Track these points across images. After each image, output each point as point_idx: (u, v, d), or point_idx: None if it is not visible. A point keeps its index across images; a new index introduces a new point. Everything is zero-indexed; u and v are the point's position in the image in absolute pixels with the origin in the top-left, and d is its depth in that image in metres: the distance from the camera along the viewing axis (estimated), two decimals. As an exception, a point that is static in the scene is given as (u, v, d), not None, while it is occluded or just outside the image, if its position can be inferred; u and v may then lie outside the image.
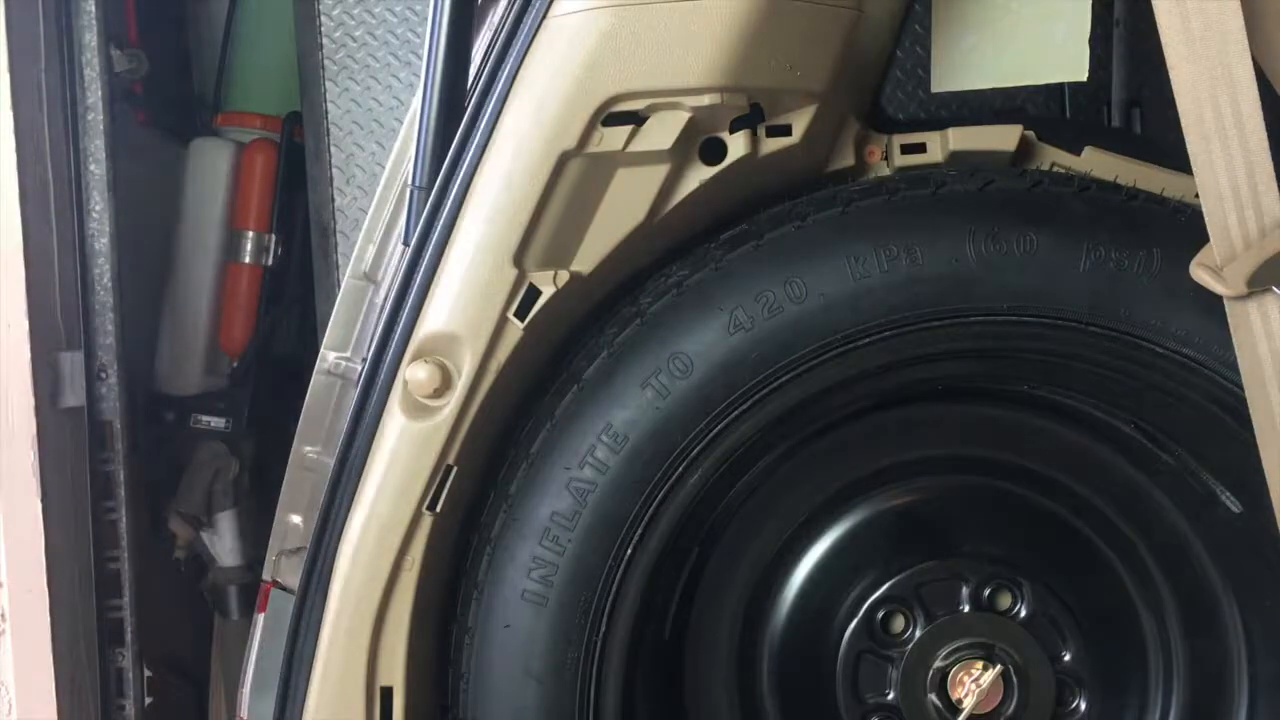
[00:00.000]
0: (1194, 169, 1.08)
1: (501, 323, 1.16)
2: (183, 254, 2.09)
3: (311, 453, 1.32)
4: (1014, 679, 1.34)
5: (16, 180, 1.74)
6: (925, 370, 1.28)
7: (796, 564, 1.40)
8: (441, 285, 1.15)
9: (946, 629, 1.36)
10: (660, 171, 1.17)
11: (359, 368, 1.26)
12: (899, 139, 1.27)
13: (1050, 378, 1.35)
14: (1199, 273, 1.11)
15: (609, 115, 1.14)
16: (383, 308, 1.19)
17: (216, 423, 2.09)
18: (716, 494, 1.32)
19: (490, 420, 1.20)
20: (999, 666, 1.33)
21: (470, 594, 1.22)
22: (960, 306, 1.20)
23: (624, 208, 1.17)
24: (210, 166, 2.09)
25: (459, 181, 1.15)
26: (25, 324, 1.73)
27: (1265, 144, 1.07)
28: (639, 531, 1.21)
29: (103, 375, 1.84)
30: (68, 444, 1.81)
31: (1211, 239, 1.09)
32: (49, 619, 1.73)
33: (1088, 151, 1.27)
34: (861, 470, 1.41)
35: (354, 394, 1.19)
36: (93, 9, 1.83)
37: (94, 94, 1.84)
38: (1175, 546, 1.38)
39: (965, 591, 1.37)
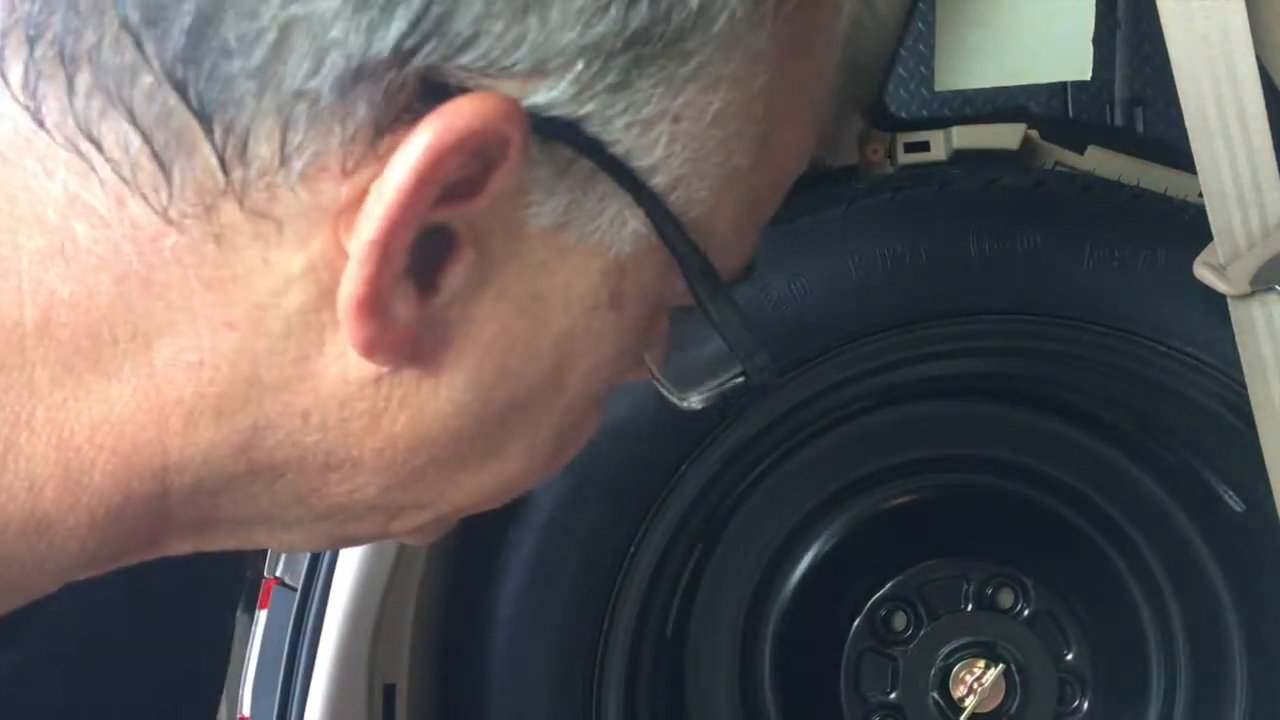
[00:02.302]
0: (1197, 168, 1.08)
1: (504, 320, 1.15)
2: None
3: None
4: (1016, 678, 1.34)
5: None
6: (927, 369, 1.29)
7: (798, 562, 1.40)
8: (444, 283, 1.15)
9: (949, 628, 1.36)
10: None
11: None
12: (902, 137, 1.27)
13: (1052, 376, 1.35)
14: (1202, 272, 1.11)
15: (612, 113, 1.13)
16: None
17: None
18: (718, 492, 1.32)
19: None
20: (1001, 665, 1.33)
21: (472, 591, 1.22)
22: (962, 305, 1.20)
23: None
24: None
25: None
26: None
27: (1269, 142, 1.07)
28: (642, 529, 1.21)
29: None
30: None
31: (1215, 238, 1.09)
32: (50, 616, 1.73)
33: (1091, 150, 1.27)
34: (863, 469, 1.41)
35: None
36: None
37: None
38: (1177, 546, 1.38)
39: (967, 590, 1.37)
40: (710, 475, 1.23)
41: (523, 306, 0.48)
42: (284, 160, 0.43)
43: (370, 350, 0.46)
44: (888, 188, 1.22)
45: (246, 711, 1.20)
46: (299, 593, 1.17)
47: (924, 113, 1.29)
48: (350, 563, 1.16)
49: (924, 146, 1.27)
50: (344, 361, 0.47)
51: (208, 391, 0.47)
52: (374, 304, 0.44)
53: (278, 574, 1.19)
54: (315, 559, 1.17)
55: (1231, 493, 1.33)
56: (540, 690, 1.22)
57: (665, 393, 0.60)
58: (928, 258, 1.18)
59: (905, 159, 1.27)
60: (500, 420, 0.51)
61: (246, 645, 1.20)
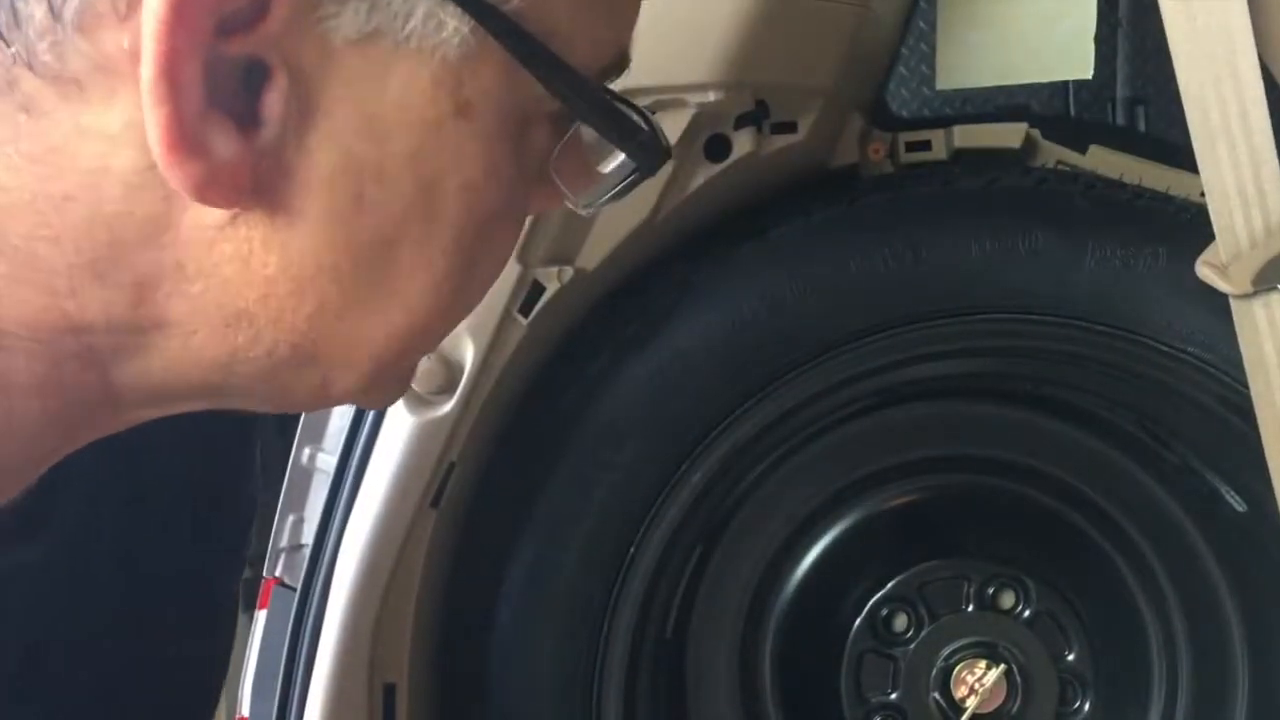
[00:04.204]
0: (1199, 167, 1.08)
1: (505, 318, 1.15)
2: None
3: (313, 450, 1.31)
4: (1017, 678, 1.34)
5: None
6: (928, 368, 1.28)
7: (799, 563, 1.40)
8: (444, 280, 1.15)
9: (949, 628, 1.36)
10: (664, 168, 1.16)
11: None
12: (903, 136, 1.27)
13: (1054, 376, 1.34)
14: (1204, 271, 1.11)
15: (613, 111, 1.13)
16: (385, 303, 1.18)
17: (216, 420, 2.09)
18: (718, 492, 1.31)
19: (493, 416, 1.19)
20: (1002, 666, 1.33)
21: (472, 591, 1.21)
22: (964, 304, 1.19)
23: (628, 204, 1.16)
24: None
25: (462, 177, 1.15)
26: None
27: (1271, 142, 1.07)
28: (642, 530, 1.21)
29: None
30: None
31: (1217, 237, 1.09)
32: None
33: (1092, 149, 1.26)
34: (864, 469, 1.41)
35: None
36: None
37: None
38: (1179, 546, 1.38)
39: (968, 591, 1.37)
40: (710, 475, 1.23)
41: (358, 128, 0.48)
42: (56, 15, 0.44)
43: (202, 192, 0.46)
44: (889, 187, 1.22)
45: (246, 712, 1.19)
46: (299, 593, 1.16)
47: (925, 112, 1.29)
48: (350, 562, 1.16)
49: (925, 146, 1.26)
50: (196, 209, 0.48)
51: (76, 260, 0.49)
52: (186, 143, 0.45)
53: (277, 574, 1.19)
54: (315, 559, 1.16)
55: (1233, 493, 1.32)
56: (540, 690, 1.22)
57: (571, 205, 0.59)
58: (928, 257, 1.18)
59: (906, 158, 1.27)
60: (380, 253, 0.51)
61: (246, 645, 1.20)
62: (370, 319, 0.53)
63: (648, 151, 0.55)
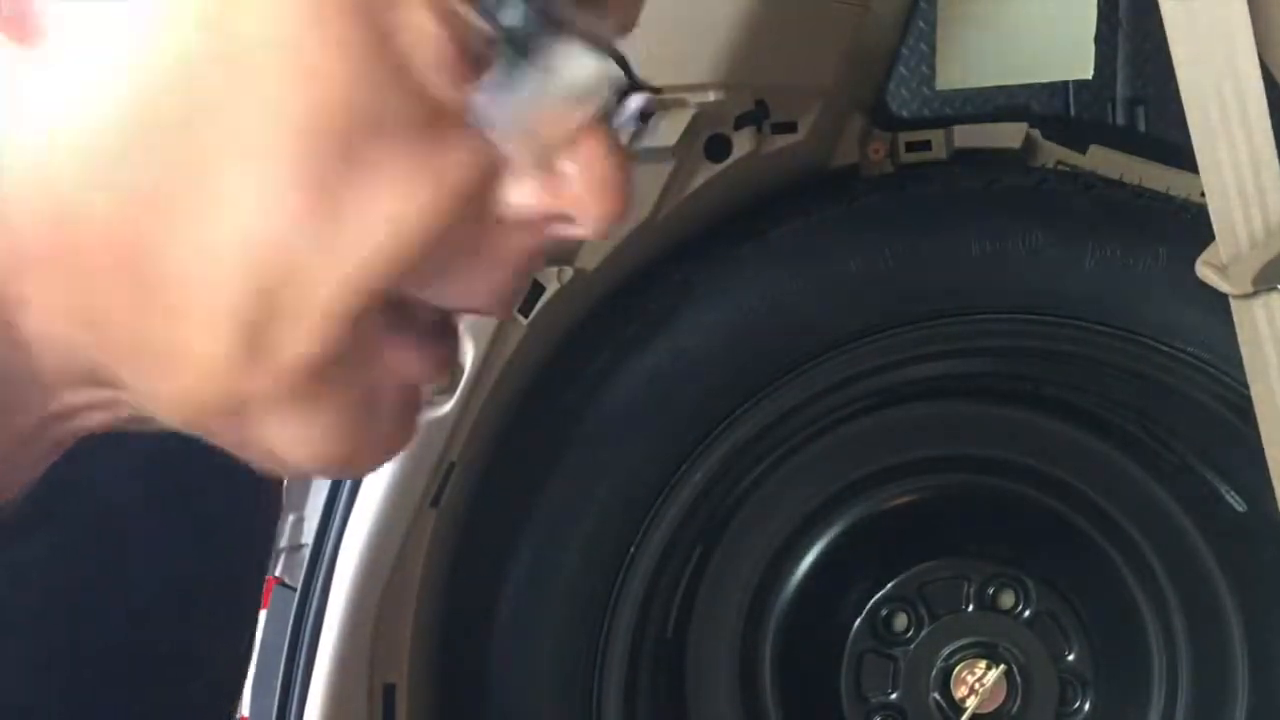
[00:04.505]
0: (1199, 167, 1.08)
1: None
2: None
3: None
4: (1017, 678, 1.34)
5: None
6: (928, 368, 1.28)
7: (799, 562, 1.40)
8: (445, 281, 1.15)
9: (949, 628, 1.36)
10: (665, 168, 1.17)
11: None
12: (903, 136, 1.27)
13: (1054, 376, 1.34)
14: (1205, 271, 1.11)
15: (612, 111, 1.13)
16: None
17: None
18: (718, 492, 1.31)
19: (493, 416, 1.19)
20: (1002, 666, 1.33)
21: (473, 591, 1.21)
22: (963, 305, 1.19)
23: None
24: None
25: (462, 177, 1.14)
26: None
27: (1271, 142, 1.07)
28: (642, 530, 1.21)
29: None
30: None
31: (1217, 237, 1.09)
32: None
33: (1092, 149, 1.26)
34: (863, 469, 1.41)
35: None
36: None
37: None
38: (1179, 546, 1.38)
39: (968, 591, 1.37)
40: (710, 475, 1.23)
41: None
42: None
43: None
44: (889, 187, 1.22)
45: (245, 711, 1.19)
46: (299, 592, 1.17)
47: (925, 112, 1.29)
48: (350, 562, 1.16)
49: (925, 146, 1.26)
50: None
51: None
52: None
53: (277, 574, 1.19)
54: (315, 559, 1.17)
55: (1232, 492, 1.32)
56: (540, 690, 1.22)
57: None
58: (928, 258, 1.18)
59: (906, 158, 1.27)
60: (177, 136, 0.40)
61: (246, 645, 1.20)
62: (193, 229, 0.41)
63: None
